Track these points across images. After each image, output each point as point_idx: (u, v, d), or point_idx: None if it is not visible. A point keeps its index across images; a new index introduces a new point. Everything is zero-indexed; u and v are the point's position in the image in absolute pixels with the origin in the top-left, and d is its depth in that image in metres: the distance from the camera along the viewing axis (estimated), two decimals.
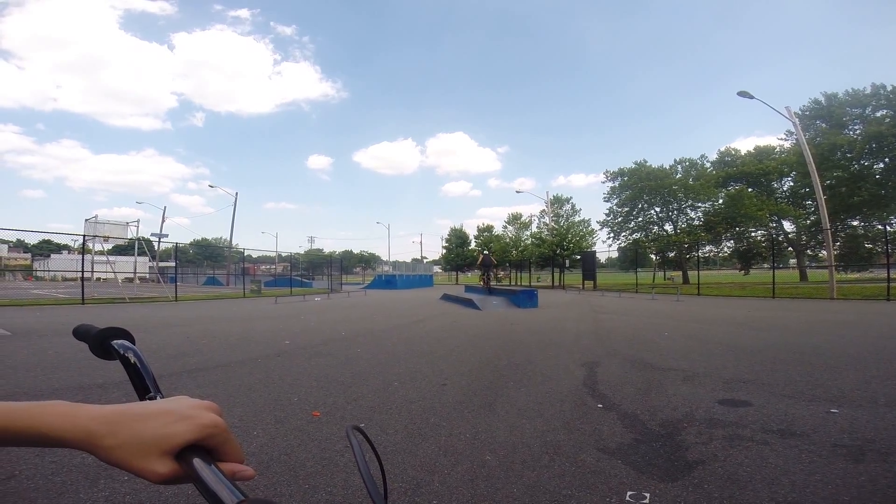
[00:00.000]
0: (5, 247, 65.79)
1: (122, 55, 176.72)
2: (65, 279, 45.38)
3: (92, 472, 2.42)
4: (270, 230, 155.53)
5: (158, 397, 0.55)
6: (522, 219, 51.37)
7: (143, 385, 0.57)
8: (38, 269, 60.59)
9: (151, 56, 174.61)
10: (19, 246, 74.82)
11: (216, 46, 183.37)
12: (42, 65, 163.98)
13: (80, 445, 0.39)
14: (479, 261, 20.25)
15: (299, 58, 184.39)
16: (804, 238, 39.66)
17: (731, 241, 43.08)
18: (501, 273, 49.60)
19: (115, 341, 0.61)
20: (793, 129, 29.32)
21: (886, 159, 32.65)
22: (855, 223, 36.01)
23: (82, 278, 18.07)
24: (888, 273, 16.77)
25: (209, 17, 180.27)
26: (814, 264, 39.46)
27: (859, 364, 5.25)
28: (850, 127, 35.36)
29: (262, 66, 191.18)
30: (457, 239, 59.53)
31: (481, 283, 20.30)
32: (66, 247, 66.72)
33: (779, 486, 2.32)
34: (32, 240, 75.19)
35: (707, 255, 44.09)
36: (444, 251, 61.45)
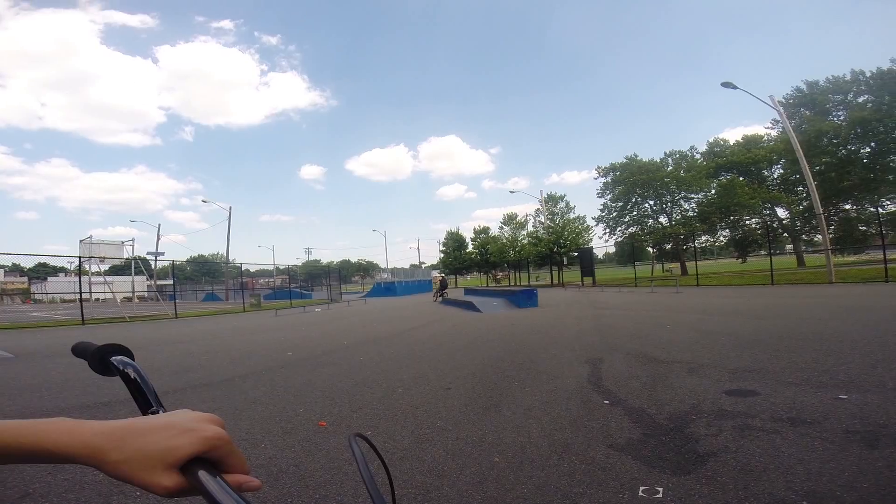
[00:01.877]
0: (1, 271, 65.49)
1: (106, 70, 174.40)
2: (63, 301, 45.11)
3: (104, 489, 2.41)
4: (267, 243, 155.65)
5: (161, 411, 0.55)
6: (518, 219, 51.49)
7: (144, 400, 0.57)
8: (36, 291, 60.33)
9: (136, 71, 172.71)
10: (16, 270, 74.47)
11: (201, 58, 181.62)
12: (24, 82, 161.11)
13: (85, 461, 0.39)
14: (439, 281, 24.12)
15: (286, 67, 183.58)
16: (798, 223, 39.83)
17: (727, 230, 43.24)
18: (500, 274, 49.58)
19: (114, 357, 0.61)
20: (778, 118, 29.49)
21: (872, 143, 32.91)
22: (847, 207, 36.18)
23: (80, 299, 17.99)
24: (884, 254, 16.86)
25: (191, 28, 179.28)
26: (810, 249, 39.56)
27: (864, 348, 5.20)
28: (834, 113, 35.61)
29: (248, 77, 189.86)
30: (454, 242, 59.51)
31: (437, 299, 22.70)
32: (62, 269, 66.37)
33: (794, 476, 2.30)
34: (28, 263, 74.85)
35: (703, 244, 44.24)
36: (442, 255, 61.38)
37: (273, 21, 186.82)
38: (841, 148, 33.94)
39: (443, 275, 25.97)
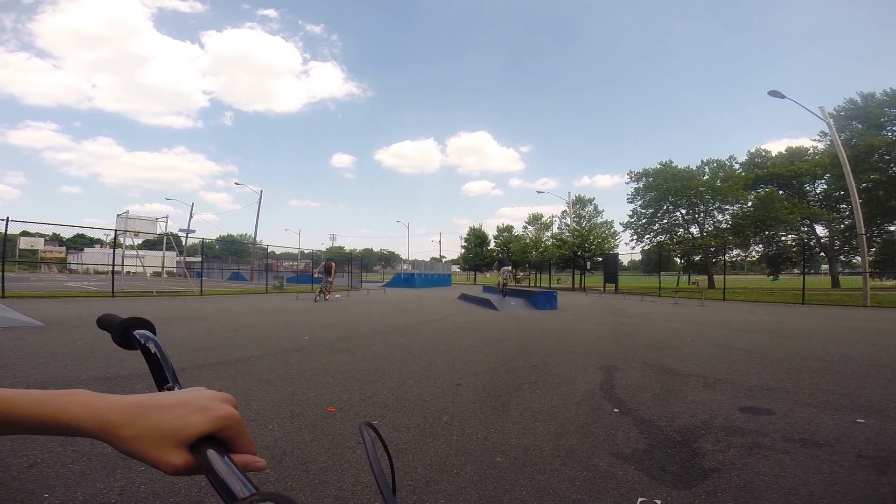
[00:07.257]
0: (42, 240, 68.52)
1: (155, 54, 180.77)
2: (97, 272, 47.07)
3: (111, 461, 2.49)
4: (294, 227, 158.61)
5: (176, 388, 0.55)
6: (543, 219, 50.97)
7: (161, 376, 0.57)
8: (72, 262, 62.93)
9: (183, 55, 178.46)
10: (55, 239, 77.84)
11: (246, 45, 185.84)
12: (77, 63, 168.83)
13: (98, 435, 0.40)
14: (323, 266, 19.22)
15: (327, 56, 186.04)
16: (837, 243, 38.19)
17: (760, 246, 41.79)
18: (521, 274, 49.27)
19: (136, 331, 0.62)
20: (827, 130, 28.11)
21: None
22: (893, 228, 34.48)
23: (112, 271, 18.70)
24: None
25: (238, 15, 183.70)
26: (847, 270, 37.85)
27: (890, 374, 5.05)
28: (889, 128, 33.41)
29: (291, 65, 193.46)
30: (476, 239, 59.32)
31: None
32: (98, 241, 68.92)
33: (796, 496, 2.25)
34: (67, 234, 78.16)
35: (734, 259, 42.91)
36: (463, 251, 61.34)
37: (317, 11, 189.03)
38: (892, 165, 32.10)
39: (327, 260, 20.63)
